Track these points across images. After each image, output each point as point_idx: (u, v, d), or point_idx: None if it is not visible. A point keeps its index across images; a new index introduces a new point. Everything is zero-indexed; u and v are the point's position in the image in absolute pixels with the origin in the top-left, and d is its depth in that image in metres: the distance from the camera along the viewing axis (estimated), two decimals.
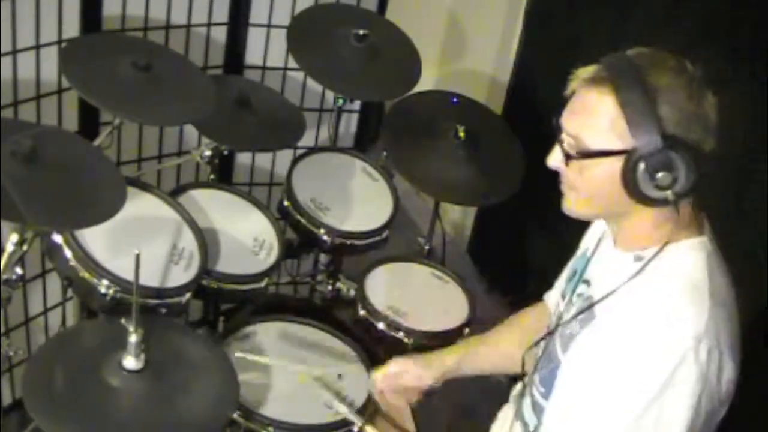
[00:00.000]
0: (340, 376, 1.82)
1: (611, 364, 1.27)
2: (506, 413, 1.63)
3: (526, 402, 1.50)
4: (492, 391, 1.70)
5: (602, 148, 1.26)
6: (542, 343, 1.48)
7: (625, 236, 1.37)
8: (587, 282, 1.45)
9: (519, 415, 1.52)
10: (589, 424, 1.29)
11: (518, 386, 1.60)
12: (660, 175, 1.22)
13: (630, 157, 1.24)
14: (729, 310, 1.29)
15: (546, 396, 1.42)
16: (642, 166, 1.23)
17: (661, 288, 1.28)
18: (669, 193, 1.24)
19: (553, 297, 1.65)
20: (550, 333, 1.46)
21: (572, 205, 1.36)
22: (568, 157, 1.30)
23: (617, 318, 1.31)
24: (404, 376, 1.71)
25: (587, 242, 1.56)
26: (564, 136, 1.31)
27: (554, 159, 1.34)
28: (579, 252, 1.58)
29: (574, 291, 1.47)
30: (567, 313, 1.44)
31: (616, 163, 1.25)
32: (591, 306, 1.37)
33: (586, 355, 1.34)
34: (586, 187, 1.31)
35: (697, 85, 1.24)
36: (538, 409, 1.45)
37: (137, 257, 1.37)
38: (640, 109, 1.22)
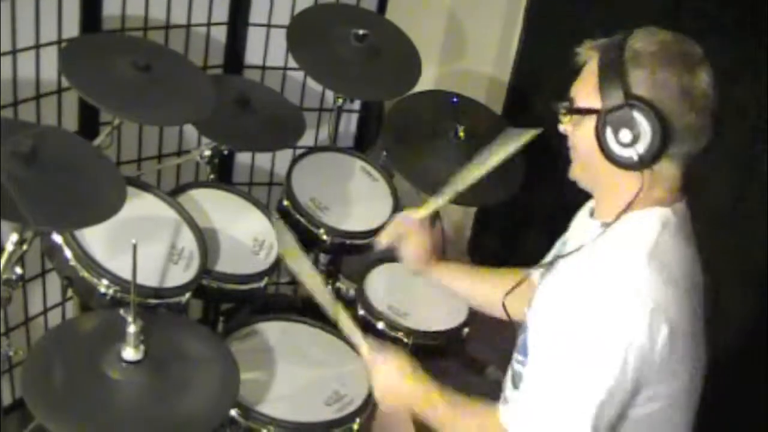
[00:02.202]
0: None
1: (555, 316, 1.34)
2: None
3: (508, 375, 1.52)
4: (492, 392, 1.69)
5: (582, 106, 1.35)
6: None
7: (600, 206, 1.44)
8: (562, 251, 1.53)
9: (508, 390, 1.56)
10: (542, 373, 1.35)
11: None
12: (622, 131, 1.29)
13: (600, 115, 1.31)
14: (673, 278, 1.31)
15: (523, 363, 1.45)
16: (607, 122, 1.30)
17: (607, 249, 1.35)
18: (633, 153, 1.29)
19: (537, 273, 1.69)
20: (521, 282, 1.54)
21: (572, 167, 1.44)
22: (562, 115, 1.39)
23: (568, 270, 1.38)
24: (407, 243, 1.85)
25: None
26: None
27: (561, 123, 1.42)
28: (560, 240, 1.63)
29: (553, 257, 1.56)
30: (540, 269, 1.54)
31: (594, 122, 1.33)
32: (555, 260, 1.46)
33: (541, 307, 1.41)
34: (578, 147, 1.40)
35: (688, 59, 1.29)
36: (517, 379, 1.47)
37: (134, 247, 1.38)
38: (611, 70, 1.29)
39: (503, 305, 1.56)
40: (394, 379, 1.62)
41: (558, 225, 1.67)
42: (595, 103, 1.32)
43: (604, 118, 1.30)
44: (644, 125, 1.27)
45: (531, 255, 1.77)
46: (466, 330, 2.03)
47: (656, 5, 2.09)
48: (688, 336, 1.31)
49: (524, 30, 2.63)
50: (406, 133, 2.26)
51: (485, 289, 1.83)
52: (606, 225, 1.38)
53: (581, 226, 1.51)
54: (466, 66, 2.94)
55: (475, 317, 2.07)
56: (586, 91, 1.35)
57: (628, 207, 1.34)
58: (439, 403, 1.53)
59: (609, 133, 1.30)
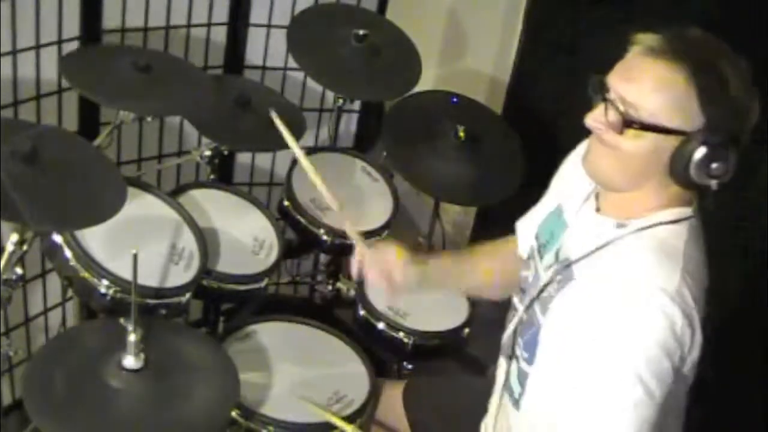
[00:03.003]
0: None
1: (587, 323, 1.28)
2: (496, 392, 1.62)
3: (513, 369, 1.50)
4: (485, 387, 1.69)
5: (662, 124, 1.25)
6: (523, 310, 1.48)
7: (613, 204, 1.37)
8: (565, 246, 1.44)
9: (507, 386, 1.52)
10: (568, 383, 1.30)
11: (502, 361, 1.59)
12: (715, 165, 1.23)
13: (689, 139, 1.24)
14: (699, 278, 1.29)
15: (529, 361, 1.42)
16: (702, 151, 1.23)
17: (636, 251, 1.29)
18: (714, 182, 1.25)
19: (525, 227, 1.65)
20: (532, 299, 1.46)
21: (599, 164, 1.34)
22: (627, 124, 1.27)
23: (593, 278, 1.32)
24: (391, 264, 1.63)
25: (564, 199, 1.52)
26: (614, 97, 1.28)
27: (595, 119, 1.31)
28: (552, 206, 1.55)
29: (547, 250, 1.48)
30: (545, 277, 1.44)
31: (668, 141, 1.25)
32: (568, 266, 1.38)
33: (564, 315, 1.35)
34: (627, 153, 1.29)
35: (749, 80, 1.25)
36: (522, 376, 1.45)
37: (135, 257, 1.38)
38: (716, 96, 1.22)
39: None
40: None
41: None
42: (680, 124, 1.24)
43: (697, 145, 1.23)
44: (733, 158, 1.24)
45: None
46: (466, 330, 2.03)
47: (656, 6, 2.09)
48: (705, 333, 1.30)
49: (524, 30, 2.62)
50: (406, 133, 2.26)
51: (475, 279, 1.75)
52: (622, 225, 1.33)
53: (587, 222, 1.42)
54: (466, 66, 2.94)
55: (475, 317, 2.07)
56: (664, 106, 1.24)
57: (653, 212, 1.30)
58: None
59: (699, 161, 1.24)
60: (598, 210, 1.40)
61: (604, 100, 1.29)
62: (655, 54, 1.26)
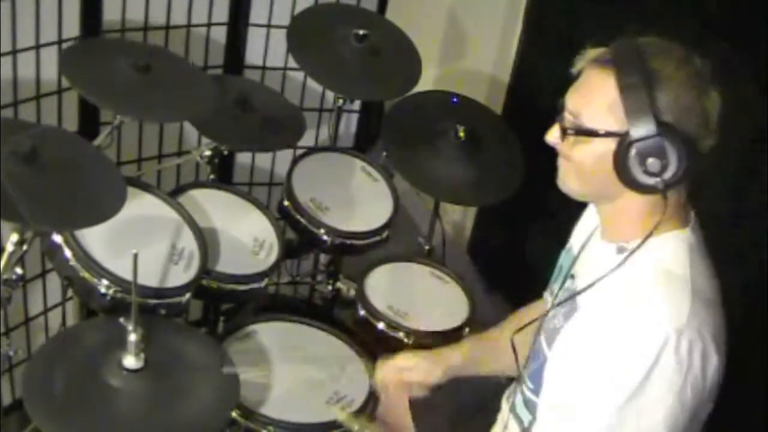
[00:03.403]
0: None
1: (592, 355, 1.28)
2: (503, 412, 1.63)
3: (519, 399, 1.50)
4: (492, 392, 1.69)
5: (598, 128, 1.28)
6: (532, 339, 1.48)
7: (611, 226, 1.38)
8: (573, 277, 1.46)
9: (513, 410, 1.52)
10: (575, 416, 1.29)
11: (512, 385, 1.60)
12: (650, 160, 1.24)
13: (623, 140, 1.25)
14: (710, 302, 1.29)
15: (536, 392, 1.42)
16: (633, 150, 1.24)
17: (640, 279, 1.29)
18: (658, 180, 1.25)
19: (550, 292, 1.66)
20: (538, 328, 1.46)
21: (564, 175, 1.37)
22: (564, 132, 1.32)
23: (597, 309, 1.31)
24: (412, 372, 1.71)
25: (576, 238, 1.56)
26: (565, 113, 1.33)
27: (552, 135, 1.36)
28: (567, 247, 1.58)
29: (561, 287, 1.48)
30: (552, 308, 1.44)
31: (610, 144, 1.27)
32: (573, 297, 1.38)
33: (570, 348, 1.34)
34: (578, 161, 1.33)
35: (701, 79, 1.25)
36: (531, 406, 1.45)
37: (135, 257, 1.38)
38: (637, 94, 1.23)
39: (511, 343, 1.50)
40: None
41: (558, 224, 1.66)
42: (614, 125, 1.26)
43: (627, 144, 1.24)
44: (672, 154, 1.23)
45: (531, 254, 1.78)
46: (466, 330, 2.03)
47: (653, 5, 2.09)
48: (724, 355, 1.29)
49: (524, 30, 2.62)
50: (406, 133, 2.26)
51: (499, 368, 1.73)
52: (623, 250, 1.33)
53: (593, 250, 1.44)
54: (466, 66, 2.94)
55: (475, 317, 2.07)
56: (598, 111, 1.28)
57: (650, 232, 1.29)
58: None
59: (634, 160, 1.24)
60: (602, 236, 1.41)
61: (559, 116, 1.34)
62: (593, 64, 1.30)
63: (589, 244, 1.47)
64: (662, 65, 1.24)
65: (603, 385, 1.25)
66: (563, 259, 1.57)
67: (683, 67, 1.25)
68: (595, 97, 1.28)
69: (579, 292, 1.37)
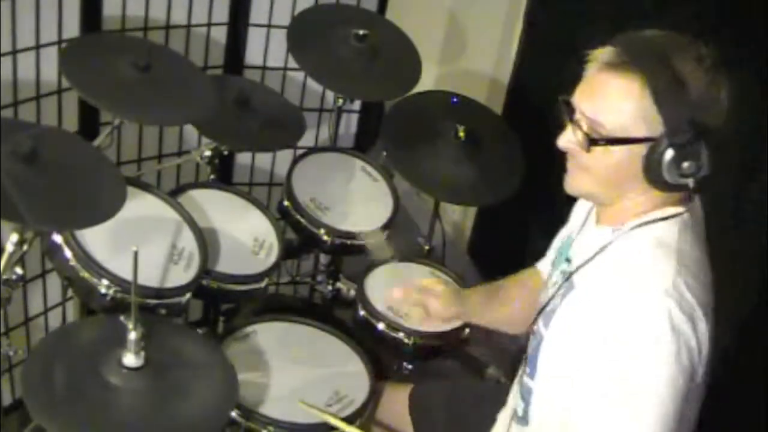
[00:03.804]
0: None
1: (587, 326, 1.29)
2: (505, 413, 1.63)
3: (515, 386, 1.50)
4: (491, 392, 1.70)
5: (629, 135, 1.26)
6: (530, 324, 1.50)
7: (610, 214, 1.38)
8: (569, 260, 1.46)
9: (515, 401, 1.52)
10: (573, 391, 1.29)
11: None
12: (686, 164, 1.23)
13: (657, 144, 1.24)
14: (697, 272, 1.29)
15: (531, 376, 1.42)
16: (670, 154, 1.23)
17: (630, 250, 1.30)
18: (691, 181, 1.24)
19: (545, 265, 1.67)
20: (538, 312, 1.47)
21: (579, 184, 1.36)
22: (592, 142, 1.29)
23: (591, 283, 1.33)
24: (433, 297, 1.74)
25: (573, 222, 1.57)
26: (579, 117, 1.30)
27: (567, 140, 1.33)
28: (564, 233, 1.58)
29: (557, 270, 1.49)
30: (551, 291, 1.45)
31: (638, 149, 1.26)
32: (569, 277, 1.39)
33: (566, 322, 1.36)
34: (601, 169, 1.31)
35: (714, 69, 1.24)
36: (525, 391, 1.45)
37: (135, 254, 1.38)
38: (671, 98, 1.22)
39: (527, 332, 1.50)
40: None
41: (558, 225, 1.67)
42: (647, 131, 1.24)
43: (663, 149, 1.23)
44: (705, 153, 1.23)
45: (532, 254, 1.78)
46: (466, 330, 2.03)
47: (656, 5, 2.09)
48: (711, 331, 1.29)
49: (524, 30, 2.62)
50: (406, 133, 2.26)
51: (504, 315, 1.79)
52: (618, 231, 1.34)
53: (589, 235, 1.44)
54: (466, 66, 2.94)
55: None
56: (628, 117, 1.25)
57: (646, 213, 1.31)
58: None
59: (669, 164, 1.23)
60: (597, 222, 1.41)
61: (571, 120, 1.31)
62: (610, 67, 1.27)
63: (584, 229, 1.48)
64: (683, 63, 1.23)
65: (599, 353, 1.25)
66: (562, 244, 1.57)
67: (701, 62, 1.24)
68: (621, 103, 1.25)
69: (574, 271, 1.38)
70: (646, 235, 1.31)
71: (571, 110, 1.31)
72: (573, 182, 1.37)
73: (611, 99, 1.27)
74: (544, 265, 1.69)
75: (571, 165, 1.35)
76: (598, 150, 1.29)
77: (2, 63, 2.04)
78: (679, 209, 1.33)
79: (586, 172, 1.33)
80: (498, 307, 1.77)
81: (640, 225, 1.31)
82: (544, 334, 1.40)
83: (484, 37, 2.83)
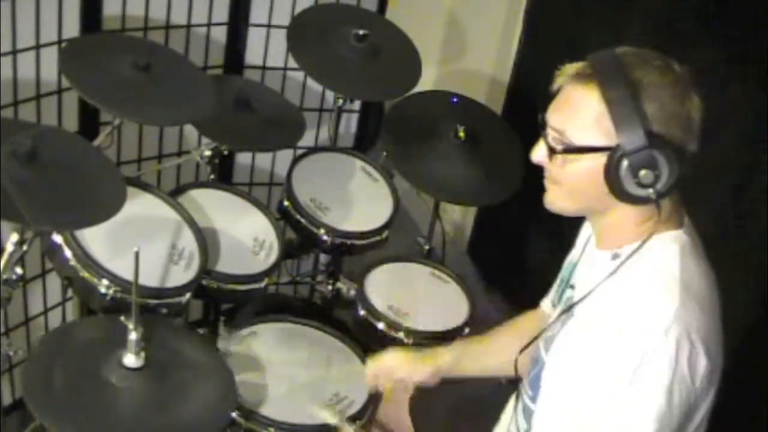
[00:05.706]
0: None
1: (584, 357, 1.28)
2: (507, 416, 1.63)
3: (519, 407, 1.50)
4: (492, 393, 1.69)
5: (586, 144, 1.27)
6: (532, 349, 1.49)
7: (605, 235, 1.38)
8: (572, 287, 1.46)
9: (514, 420, 1.52)
10: (567, 416, 1.29)
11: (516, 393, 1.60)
12: (642, 173, 1.23)
13: (613, 154, 1.24)
14: (703, 302, 1.28)
15: (534, 399, 1.42)
16: (625, 163, 1.24)
17: (631, 281, 1.29)
18: (651, 191, 1.24)
19: (547, 303, 1.66)
20: (536, 337, 1.46)
21: (554, 198, 1.37)
22: (552, 152, 1.31)
23: (591, 313, 1.32)
24: (397, 370, 1.71)
25: (577, 248, 1.56)
26: (549, 130, 1.32)
27: (538, 153, 1.35)
28: (567, 260, 1.59)
29: (561, 297, 1.49)
30: (553, 316, 1.45)
31: (599, 159, 1.26)
32: (571, 307, 1.38)
33: (564, 352, 1.35)
34: (568, 181, 1.32)
35: (683, 85, 1.25)
36: (527, 413, 1.45)
37: (136, 254, 1.38)
38: (625, 106, 1.22)
39: (515, 363, 1.50)
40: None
41: (558, 224, 1.66)
42: (602, 140, 1.25)
43: (618, 158, 1.23)
44: (663, 164, 1.22)
45: (531, 254, 1.78)
46: (466, 330, 2.03)
47: (656, 5, 2.09)
48: (719, 355, 1.29)
49: (524, 30, 2.62)
50: (406, 133, 2.27)
51: (496, 362, 1.72)
52: (617, 256, 1.33)
53: (590, 259, 1.43)
54: (466, 66, 2.94)
55: (475, 317, 2.07)
56: (584, 126, 1.26)
57: (642, 237, 1.30)
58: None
59: (625, 173, 1.24)
60: (597, 245, 1.41)
61: (542, 134, 1.33)
62: (573, 79, 1.29)
63: (585, 254, 1.48)
64: (644, 74, 1.23)
65: (594, 384, 1.25)
66: (565, 270, 1.57)
67: (664, 75, 1.24)
68: (580, 113, 1.27)
69: (576, 303, 1.37)
70: (646, 265, 1.30)
71: (544, 124, 1.33)
72: (548, 197, 1.38)
73: (571, 108, 1.29)
74: (546, 305, 1.67)
75: (546, 180, 1.37)
76: (561, 160, 1.31)
77: (2, 63, 2.04)
78: (675, 231, 1.32)
79: (557, 185, 1.34)
80: (489, 358, 1.73)
81: (638, 250, 1.30)
82: (545, 360, 1.41)
83: (484, 37, 2.83)
